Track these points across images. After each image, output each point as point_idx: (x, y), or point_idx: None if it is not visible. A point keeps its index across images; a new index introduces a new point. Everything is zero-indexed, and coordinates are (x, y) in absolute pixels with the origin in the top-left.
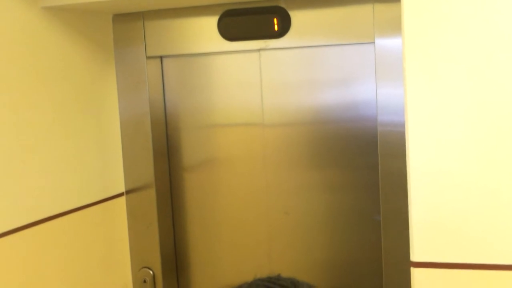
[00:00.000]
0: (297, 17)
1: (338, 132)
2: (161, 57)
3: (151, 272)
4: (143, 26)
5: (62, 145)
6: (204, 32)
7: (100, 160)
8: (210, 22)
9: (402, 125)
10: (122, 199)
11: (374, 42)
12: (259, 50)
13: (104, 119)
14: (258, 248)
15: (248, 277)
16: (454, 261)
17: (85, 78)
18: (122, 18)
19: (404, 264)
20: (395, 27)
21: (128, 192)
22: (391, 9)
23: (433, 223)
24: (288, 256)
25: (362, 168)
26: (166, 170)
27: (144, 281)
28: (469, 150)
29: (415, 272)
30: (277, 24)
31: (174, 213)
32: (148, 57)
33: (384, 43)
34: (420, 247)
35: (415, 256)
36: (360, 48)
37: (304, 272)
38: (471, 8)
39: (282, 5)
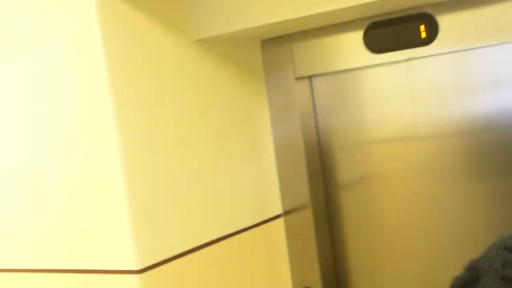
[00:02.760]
0: (444, 21)
1: (496, 140)
2: (310, 77)
3: None
4: (291, 48)
5: (221, 171)
6: (350, 47)
7: (258, 183)
8: (355, 37)
9: None
10: (280, 221)
11: None
12: (407, 60)
13: (259, 143)
14: (418, 264)
15: None
16: None
17: (238, 105)
18: (270, 43)
19: None
20: None
21: (286, 213)
22: None
23: None
24: (451, 272)
25: None
26: (321, 189)
27: None
28: None
29: None
30: (424, 31)
31: (331, 231)
32: (297, 78)
33: None
34: None
35: None
36: None
37: None
38: None
39: (428, 11)
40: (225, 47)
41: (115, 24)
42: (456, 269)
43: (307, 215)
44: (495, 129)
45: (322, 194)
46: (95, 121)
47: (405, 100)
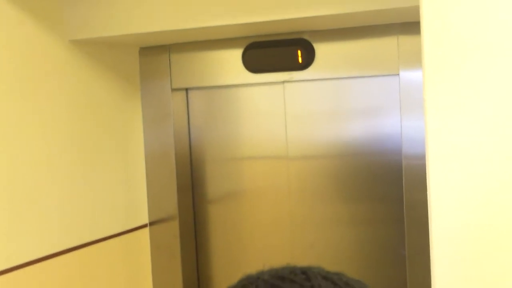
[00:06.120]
0: (321, 49)
1: (363, 165)
2: (186, 90)
3: None
4: (169, 59)
5: (87, 176)
6: (228, 64)
7: (124, 191)
8: (235, 55)
9: None
10: (146, 231)
11: (398, 75)
12: (283, 82)
13: (130, 151)
14: None
15: None
16: None
17: (111, 110)
18: (148, 51)
19: None
20: (420, 59)
21: (151, 223)
22: (416, 41)
23: (456, 259)
24: None
25: (387, 201)
26: (190, 202)
27: None
28: (493, 185)
29: None
30: (301, 56)
31: (197, 245)
32: (173, 90)
33: (409, 75)
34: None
35: None
36: (385, 80)
37: None
38: (494, 40)
39: (306, 37)
40: (102, 51)
41: None
42: None
43: (174, 226)
44: (361, 155)
45: (190, 207)
46: None
47: (279, 121)
